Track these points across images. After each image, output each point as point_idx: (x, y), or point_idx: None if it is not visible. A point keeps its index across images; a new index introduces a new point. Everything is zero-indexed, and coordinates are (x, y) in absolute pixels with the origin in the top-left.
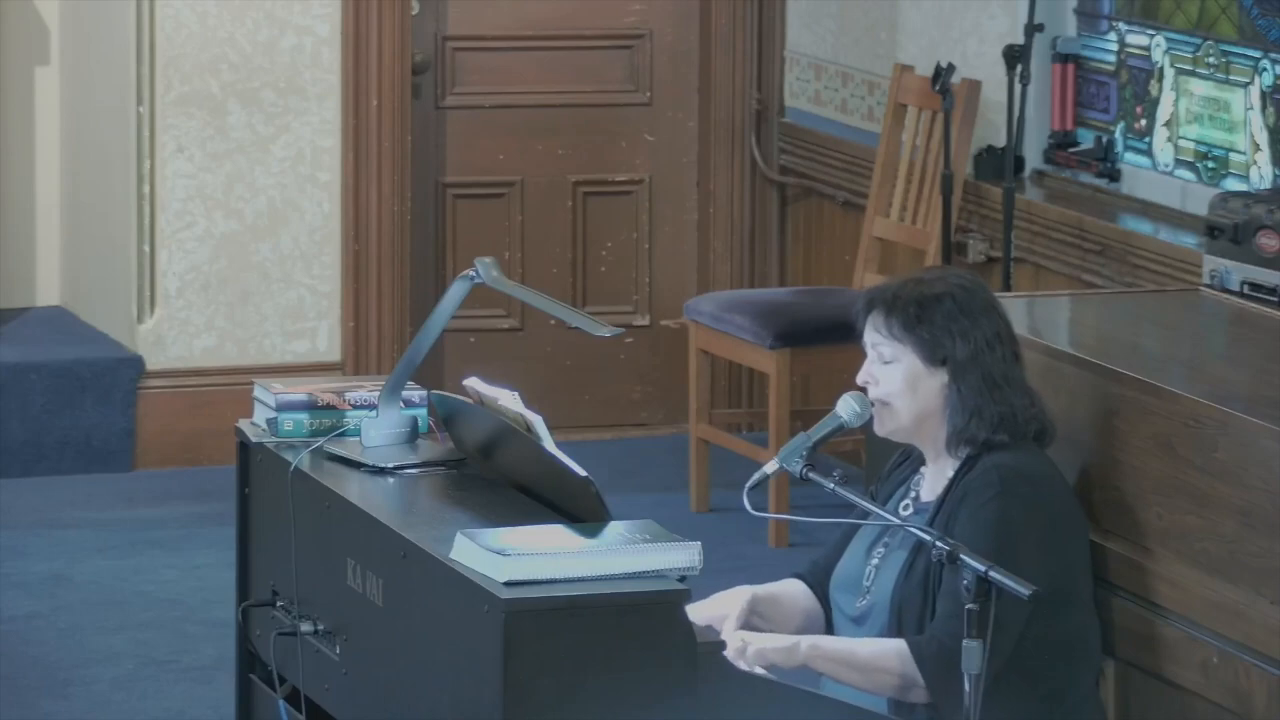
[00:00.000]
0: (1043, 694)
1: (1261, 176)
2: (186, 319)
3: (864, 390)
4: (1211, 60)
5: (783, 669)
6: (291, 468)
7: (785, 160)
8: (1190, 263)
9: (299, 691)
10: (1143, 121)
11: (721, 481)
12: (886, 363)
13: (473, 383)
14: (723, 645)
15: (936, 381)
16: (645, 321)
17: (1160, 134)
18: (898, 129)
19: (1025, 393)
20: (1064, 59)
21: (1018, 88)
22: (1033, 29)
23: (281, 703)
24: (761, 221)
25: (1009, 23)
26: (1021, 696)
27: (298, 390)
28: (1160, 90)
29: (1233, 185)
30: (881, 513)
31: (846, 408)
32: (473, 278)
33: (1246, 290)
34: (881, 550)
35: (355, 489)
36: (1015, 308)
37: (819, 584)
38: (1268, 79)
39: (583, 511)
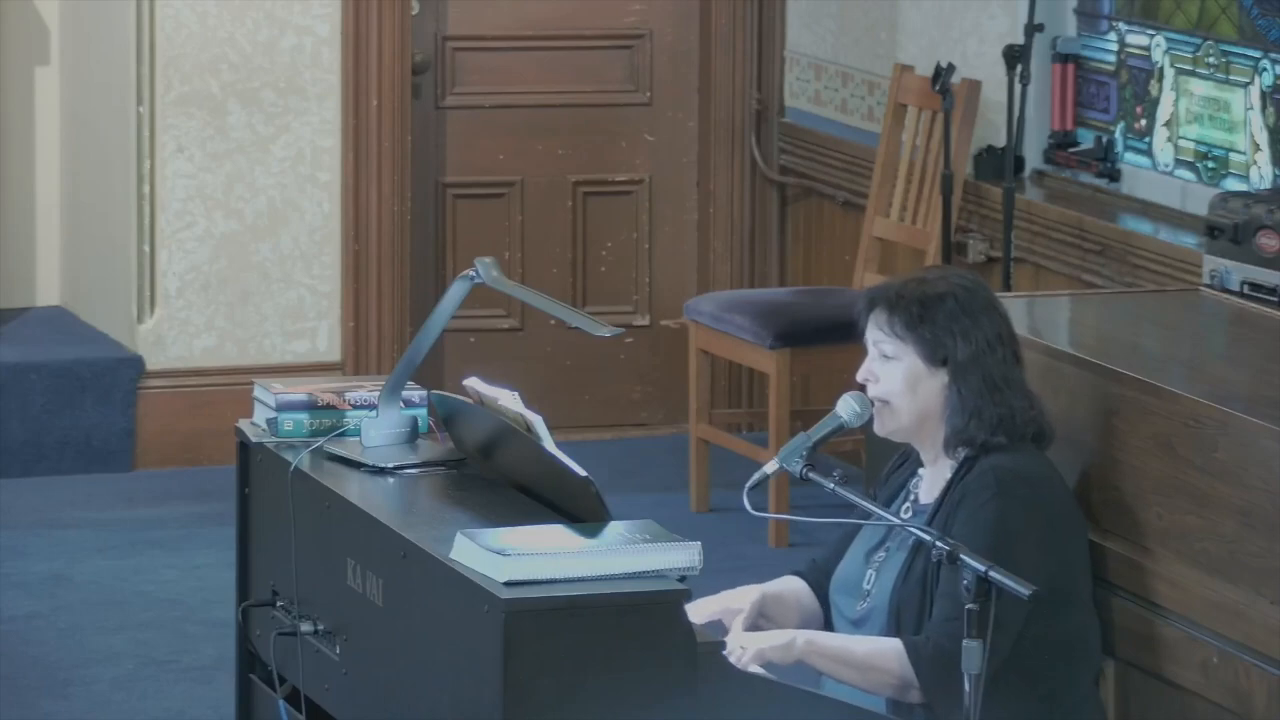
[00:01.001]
0: (1042, 694)
1: (1261, 176)
2: (186, 319)
3: (864, 388)
4: (1211, 60)
5: (781, 666)
6: (291, 468)
7: (785, 160)
8: (1190, 263)
9: (299, 691)
10: (1143, 121)
11: (721, 481)
12: (888, 360)
13: (473, 383)
14: (722, 645)
15: (937, 382)
16: (645, 321)
17: (1160, 134)
18: (898, 129)
19: (1025, 395)
20: (1064, 59)
21: (1018, 88)
22: (1033, 29)
23: (281, 703)
24: (761, 221)
25: (1009, 23)
26: (1021, 696)
27: (298, 390)
28: (1160, 90)
29: (1233, 185)
30: (882, 512)
31: (846, 408)
32: (473, 278)
33: (1246, 290)
34: (882, 555)
35: (355, 489)
36: (1015, 308)
37: (818, 584)
38: (1268, 79)
39: (583, 511)
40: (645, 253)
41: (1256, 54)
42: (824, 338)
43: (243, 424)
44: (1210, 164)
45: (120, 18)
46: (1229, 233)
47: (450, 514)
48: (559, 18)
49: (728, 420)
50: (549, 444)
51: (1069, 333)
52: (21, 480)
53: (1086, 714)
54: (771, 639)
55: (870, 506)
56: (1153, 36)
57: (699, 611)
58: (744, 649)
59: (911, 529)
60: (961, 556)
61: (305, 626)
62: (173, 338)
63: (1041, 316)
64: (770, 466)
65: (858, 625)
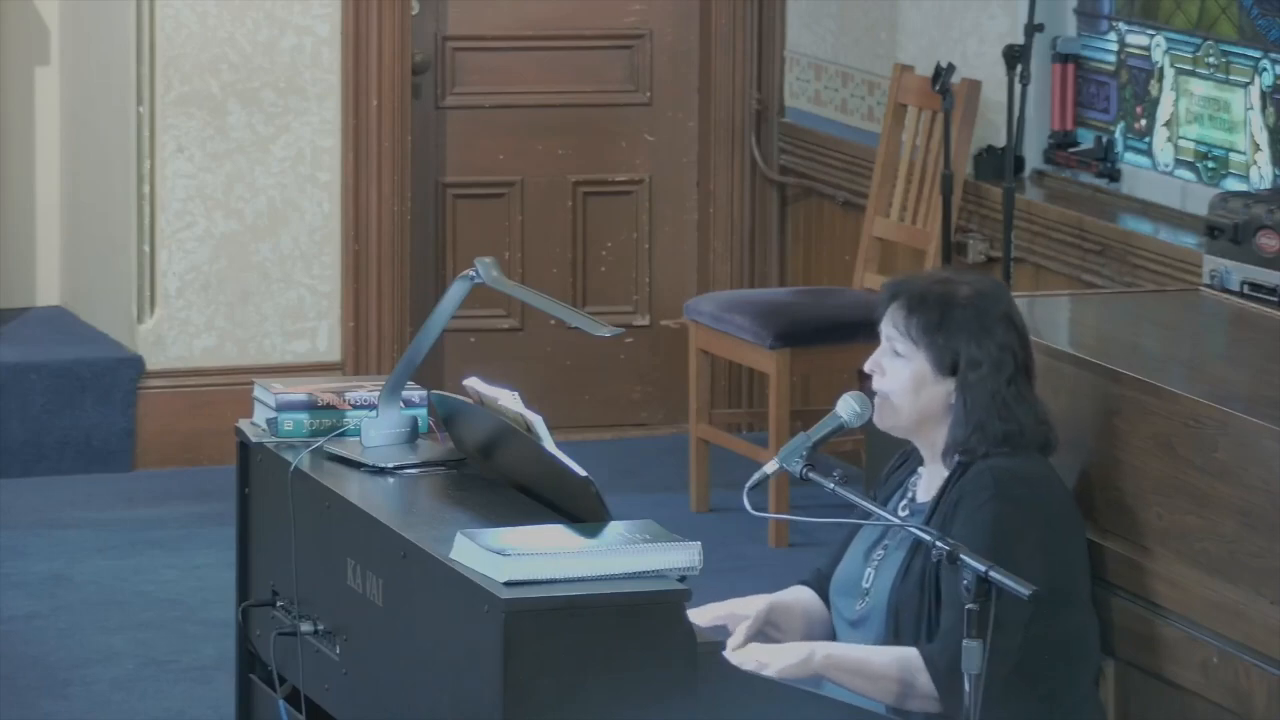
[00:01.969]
0: (1042, 694)
1: (1261, 176)
2: (186, 319)
3: (868, 379)
4: (1211, 60)
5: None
6: (291, 468)
7: (785, 160)
8: (1190, 263)
9: (299, 691)
10: (1143, 121)
11: (721, 481)
12: (898, 356)
13: (473, 383)
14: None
15: (942, 390)
16: (645, 321)
17: (1160, 134)
18: (898, 129)
19: (1033, 409)
20: (1064, 59)
21: (1018, 88)
22: (1033, 29)
23: (281, 703)
24: (761, 221)
25: (1009, 23)
26: (1021, 696)
27: (298, 390)
28: (1160, 90)
29: (1233, 185)
30: (882, 512)
31: (846, 408)
32: (473, 278)
33: (1246, 290)
34: (880, 553)
35: (355, 489)
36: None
37: (825, 592)
38: (1268, 79)
39: (583, 511)
40: (645, 253)
41: (1256, 54)
42: (824, 338)
43: (243, 424)
44: (1210, 164)
45: (120, 18)
46: (1229, 233)
47: (450, 514)
48: (559, 18)
49: (728, 420)
50: (549, 444)
51: (1069, 333)
52: (21, 480)
53: (1086, 714)
54: (789, 657)
55: (870, 506)
56: (1153, 36)
57: (704, 616)
58: (762, 663)
59: (912, 529)
60: (961, 556)
61: (305, 626)
62: (173, 338)
63: (1041, 316)
64: (770, 466)
65: (856, 626)
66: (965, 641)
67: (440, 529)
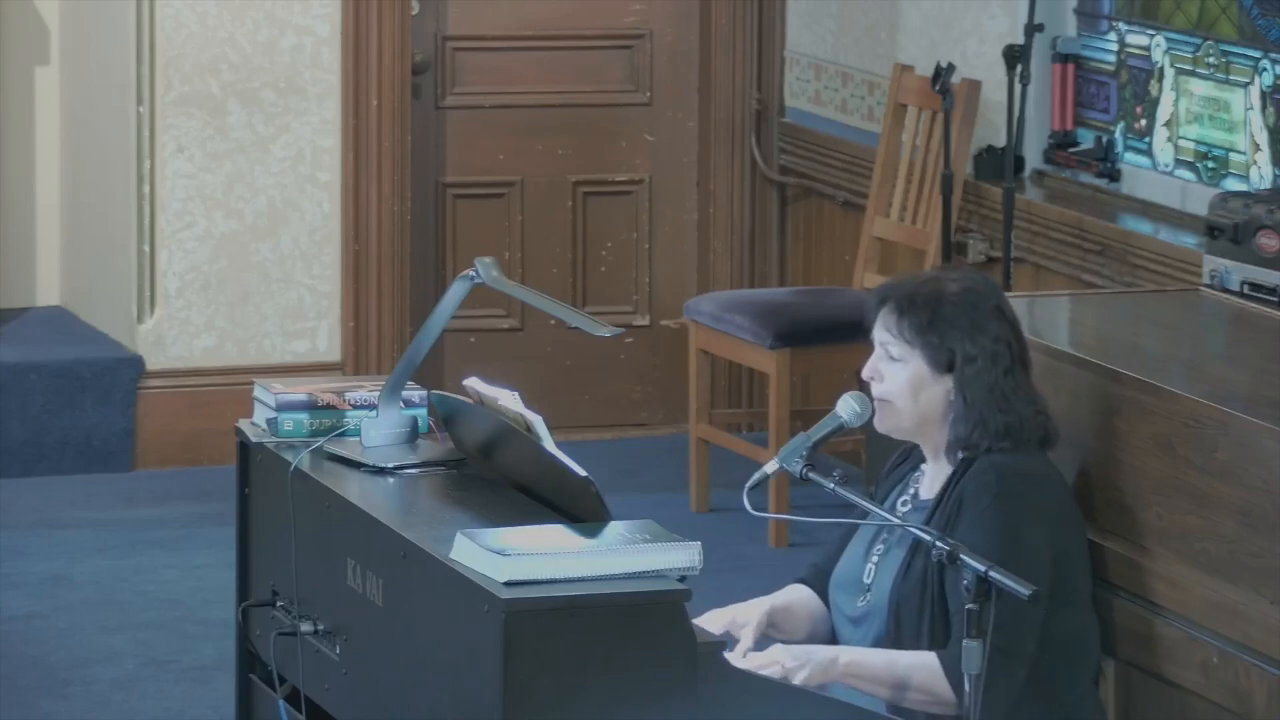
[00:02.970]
0: (1042, 694)
1: (1261, 176)
2: (186, 319)
3: (867, 384)
4: (1211, 60)
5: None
6: (291, 468)
7: (785, 160)
8: (1190, 263)
9: (299, 691)
10: (1143, 121)
11: (721, 481)
12: (894, 361)
13: (473, 383)
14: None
15: (940, 388)
16: (645, 321)
17: (1160, 134)
18: (898, 129)
19: (1032, 401)
20: (1064, 59)
21: (1018, 88)
22: (1033, 29)
23: (281, 703)
24: (761, 221)
25: (1009, 23)
26: (1021, 696)
27: (298, 390)
28: (1160, 90)
29: (1233, 185)
30: (881, 512)
31: (846, 408)
32: (473, 278)
33: (1246, 290)
34: (880, 548)
35: (355, 489)
36: (1015, 307)
37: (822, 589)
38: (1268, 79)
39: (583, 511)
40: (645, 253)
41: (1256, 54)
42: (824, 338)
43: (243, 424)
44: (1210, 164)
45: (120, 18)
46: (1229, 233)
47: (450, 514)
48: (559, 18)
49: (728, 420)
50: (549, 444)
51: (1069, 333)
52: (21, 480)
53: (1086, 714)
54: (811, 665)
55: (870, 506)
56: (1153, 36)
57: (707, 624)
58: (788, 669)
59: (912, 529)
60: (961, 556)
61: (305, 626)
62: (173, 338)
63: (1041, 316)
64: (770, 466)
65: (857, 623)
66: (965, 641)
67: (440, 529)
